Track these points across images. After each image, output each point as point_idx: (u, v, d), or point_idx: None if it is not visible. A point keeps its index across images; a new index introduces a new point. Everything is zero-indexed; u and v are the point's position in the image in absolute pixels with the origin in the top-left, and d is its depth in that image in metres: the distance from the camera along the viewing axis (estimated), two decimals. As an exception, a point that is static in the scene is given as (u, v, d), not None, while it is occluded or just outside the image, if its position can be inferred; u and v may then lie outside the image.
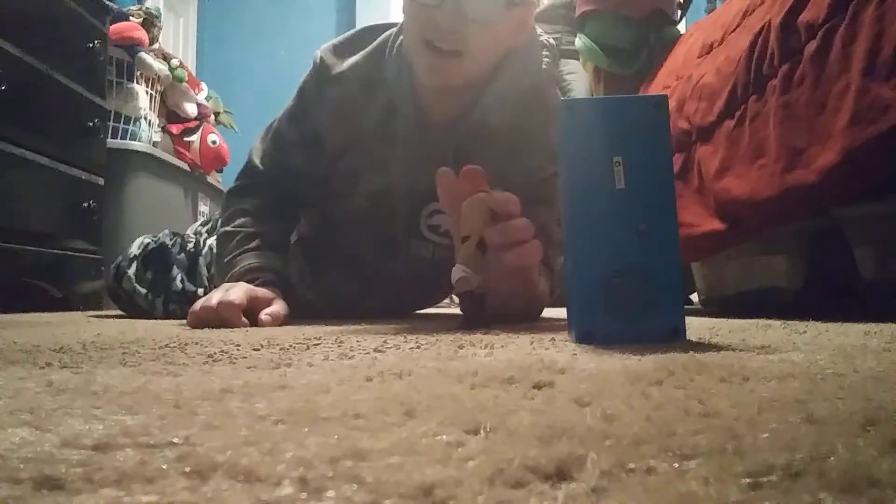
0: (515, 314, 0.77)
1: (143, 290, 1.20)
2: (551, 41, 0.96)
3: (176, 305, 1.18)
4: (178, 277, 1.19)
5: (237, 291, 0.81)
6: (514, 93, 0.90)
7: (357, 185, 0.98)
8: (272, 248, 0.97)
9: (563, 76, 2.37)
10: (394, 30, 0.96)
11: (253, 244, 0.95)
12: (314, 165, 1.00)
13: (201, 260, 1.20)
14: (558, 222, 0.95)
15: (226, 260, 0.94)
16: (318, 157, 0.99)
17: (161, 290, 1.20)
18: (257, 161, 1.03)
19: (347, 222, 1.03)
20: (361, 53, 0.95)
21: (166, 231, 1.29)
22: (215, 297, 0.80)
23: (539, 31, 0.97)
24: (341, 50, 0.97)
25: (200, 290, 1.17)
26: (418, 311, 1.33)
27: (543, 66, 0.94)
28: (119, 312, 1.38)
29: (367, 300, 1.08)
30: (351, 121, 0.95)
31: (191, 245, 1.24)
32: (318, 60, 0.97)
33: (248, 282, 0.86)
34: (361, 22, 3.19)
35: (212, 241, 1.18)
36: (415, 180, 0.94)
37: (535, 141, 0.91)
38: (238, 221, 0.98)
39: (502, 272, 0.66)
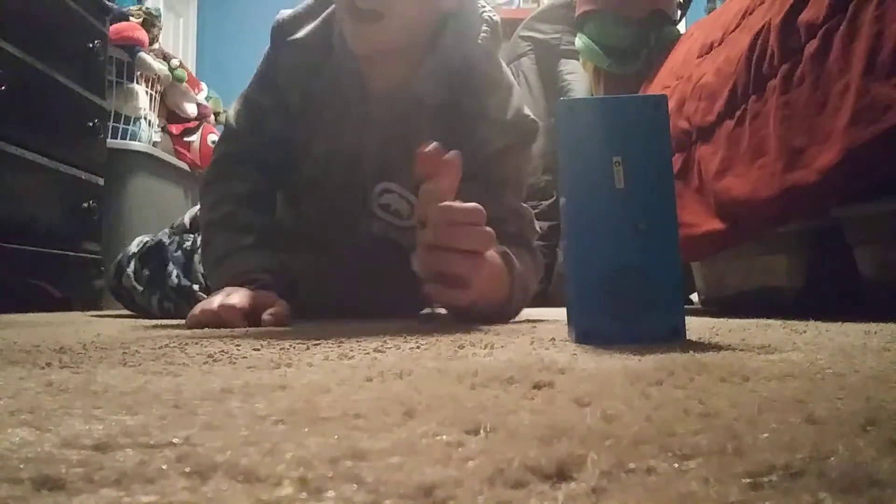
0: (486, 308, 0.75)
1: (140, 288, 1.20)
2: (495, 18, 0.95)
3: (171, 303, 1.17)
4: (174, 274, 1.19)
5: (238, 296, 0.80)
6: (449, 65, 0.90)
7: (308, 151, 0.98)
8: (267, 244, 0.95)
9: (563, 76, 2.38)
10: None
11: (247, 241, 0.93)
12: (288, 131, 1.00)
13: (197, 257, 1.20)
14: (525, 203, 0.95)
15: (218, 254, 0.92)
16: (292, 123, 0.99)
17: (157, 287, 1.19)
18: (234, 124, 1.03)
19: (301, 190, 1.03)
20: (318, 19, 0.96)
21: (165, 230, 1.29)
22: (216, 300, 0.79)
23: (484, 6, 0.96)
24: (300, 18, 0.97)
25: (196, 286, 1.16)
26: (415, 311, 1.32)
27: (479, 41, 0.93)
28: (119, 312, 1.38)
29: (340, 282, 1.06)
30: (304, 85, 0.96)
31: (188, 243, 1.24)
32: (275, 25, 0.97)
33: (243, 283, 0.85)
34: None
35: None
36: (359, 150, 0.95)
37: (479, 115, 0.91)
38: (227, 210, 0.96)
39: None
